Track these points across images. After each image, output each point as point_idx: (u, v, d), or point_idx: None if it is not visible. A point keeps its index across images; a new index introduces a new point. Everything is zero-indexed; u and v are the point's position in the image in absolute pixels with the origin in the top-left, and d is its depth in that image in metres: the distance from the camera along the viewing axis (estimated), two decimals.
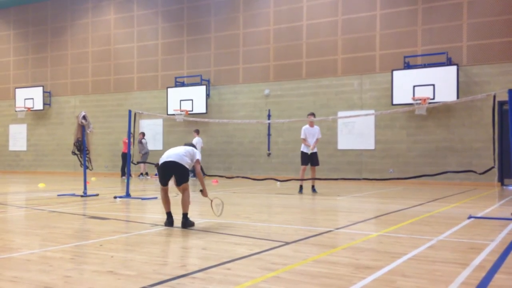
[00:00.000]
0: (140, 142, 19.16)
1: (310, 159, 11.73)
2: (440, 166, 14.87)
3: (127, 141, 18.60)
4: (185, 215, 6.03)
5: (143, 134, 19.38)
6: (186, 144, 6.58)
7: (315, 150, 11.78)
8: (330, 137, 16.65)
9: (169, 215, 6.15)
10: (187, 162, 6.15)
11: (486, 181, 13.80)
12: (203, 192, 6.31)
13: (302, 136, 11.80)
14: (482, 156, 14.50)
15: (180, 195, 6.35)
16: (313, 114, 11.90)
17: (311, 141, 11.70)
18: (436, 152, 15.32)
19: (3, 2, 23.99)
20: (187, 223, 5.99)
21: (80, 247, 4.90)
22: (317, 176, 12.22)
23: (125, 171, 19.10)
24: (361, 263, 4.10)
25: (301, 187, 11.74)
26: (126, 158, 18.80)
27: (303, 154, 11.78)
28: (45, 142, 23.04)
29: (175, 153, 6.17)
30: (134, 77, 20.98)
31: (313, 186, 11.85)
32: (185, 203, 6.09)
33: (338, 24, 17.02)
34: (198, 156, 6.31)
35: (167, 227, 6.04)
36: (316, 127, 11.91)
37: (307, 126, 11.86)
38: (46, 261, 4.16)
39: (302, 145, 11.84)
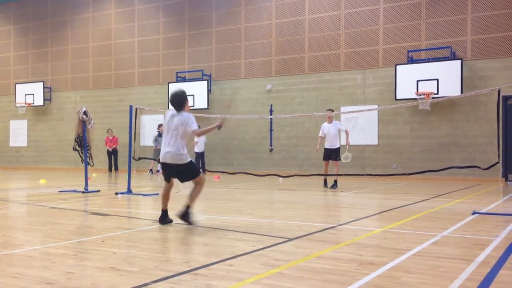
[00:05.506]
0: (161, 135, 18.99)
1: (330, 154, 11.67)
2: (444, 162, 14.79)
3: (109, 138, 19.40)
4: (187, 207, 5.75)
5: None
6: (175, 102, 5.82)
7: (337, 146, 11.70)
8: None
9: (164, 213, 5.85)
10: (185, 154, 5.72)
11: (491, 177, 13.72)
12: (214, 127, 5.98)
13: (321, 134, 11.79)
14: (487, 152, 14.42)
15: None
16: (331, 110, 11.87)
17: (330, 137, 11.59)
18: (440, 147, 15.24)
19: None
20: (185, 216, 5.72)
21: (82, 243, 4.88)
22: (321, 172, 12.23)
23: (112, 167, 19.54)
24: (365, 259, 4.07)
25: (325, 181, 11.85)
26: (110, 154, 19.48)
27: (325, 149, 11.70)
28: (45, 138, 23.02)
29: (171, 148, 5.70)
30: (135, 72, 20.92)
31: (335, 181, 11.75)
32: (193, 196, 5.83)
33: (341, 18, 16.91)
34: (194, 126, 5.75)
35: (161, 225, 5.77)
36: (335, 122, 11.80)
37: (325, 123, 11.82)
38: (48, 258, 4.14)
39: (326, 142, 11.75)
